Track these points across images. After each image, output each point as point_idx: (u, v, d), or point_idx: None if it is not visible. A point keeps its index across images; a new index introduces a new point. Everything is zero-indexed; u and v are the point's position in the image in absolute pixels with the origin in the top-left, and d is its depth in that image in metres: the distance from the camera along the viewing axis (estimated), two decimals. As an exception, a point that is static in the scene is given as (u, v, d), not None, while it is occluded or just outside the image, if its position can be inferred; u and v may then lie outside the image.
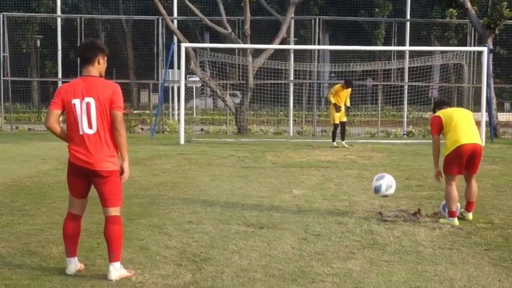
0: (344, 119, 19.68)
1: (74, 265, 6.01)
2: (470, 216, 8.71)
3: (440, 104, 9.50)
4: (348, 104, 19.66)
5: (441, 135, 9.03)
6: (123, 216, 8.48)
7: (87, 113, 5.76)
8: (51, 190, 10.80)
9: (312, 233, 7.79)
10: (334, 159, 16.13)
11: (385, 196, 8.83)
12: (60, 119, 6.00)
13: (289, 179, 12.45)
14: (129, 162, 6.03)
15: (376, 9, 42.61)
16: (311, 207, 9.50)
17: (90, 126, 5.77)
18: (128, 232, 7.71)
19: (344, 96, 19.31)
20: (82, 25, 29.31)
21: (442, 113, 9.01)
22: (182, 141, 20.49)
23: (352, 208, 9.43)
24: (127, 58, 44.64)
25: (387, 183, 8.66)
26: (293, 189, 11.19)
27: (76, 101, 5.79)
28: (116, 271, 5.86)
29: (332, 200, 10.13)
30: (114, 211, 5.94)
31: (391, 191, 8.72)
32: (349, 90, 19.54)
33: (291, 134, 27.04)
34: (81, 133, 5.80)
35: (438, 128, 8.95)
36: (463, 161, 8.67)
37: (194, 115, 27.20)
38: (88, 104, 5.76)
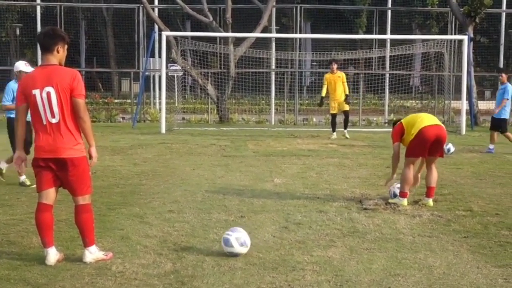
0: (346, 107, 18.91)
1: (53, 254, 5.97)
2: (430, 202, 8.83)
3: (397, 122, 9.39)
4: (347, 92, 18.82)
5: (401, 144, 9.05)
6: (104, 205, 8.57)
7: (48, 102, 5.74)
8: (31, 180, 10.70)
9: (293, 221, 7.81)
10: (315, 148, 16.17)
11: (235, 254, 6.30)
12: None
13: (270, 168, 12.46)
14: (96, 147, 6.08)
15: (358, -3, 42.58)
16: (292, 196, 9.52)
17: (52, 115, 5.76)
18: (108, 221, 7.72)
19: (336, 83, 18.57)
20: (62, 14, 29.05)
21: (404, 120, 9.17)
22: (163, 130, 20.44)
23: (333, 197, 9.46)
24: (108, 47, 44.31)
25: (240, 239, 6.31)
26: (274, 178, 11.20)
27: (36, 91, 5.75)
28: (90, 254, 5.98)
29: (313, 189, 10.15)
30: (82, 199, 5.98)
31: (244, 250, 6.33)
32: (341, 74, 18.76)
33: (273, 123, 27.04)
34: (44, 123, 5.80)
35: (399, 134, 8.99)
36: (427, 145, 8.70)
37: (176, 104, 27.11)
38: (48, 94, 5.73)
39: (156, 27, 26.11)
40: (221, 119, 26.24)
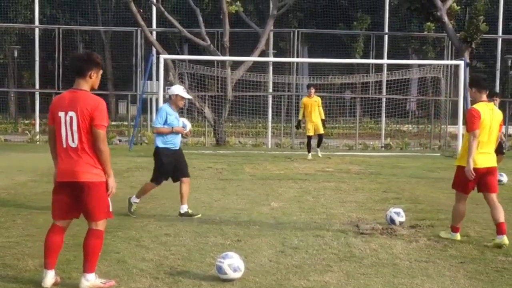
0: (321, 131, 19.98)
1: (51, 278, 5.95)
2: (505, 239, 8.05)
3: (478, 82, 8.49)
4: (323, 117, 19.89)
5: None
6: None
7: (70, 126, 5.76)
8: (27, 202, 10.70)
9: (290, 246, 7.80)
10: (312, 172, 16.17)
11: (230, 280, 6.30)
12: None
13: (267, 192, 12.46)
14: (113, 177, 6.03)
15: (355, 22, 42.87)
16: (288, 220, 9.52)
17: (73, 139, 5.78)
18: (105, 244, 7.62)
19: (312, 107, 19.54)
20: (60, 36, 29.17)
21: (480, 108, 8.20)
22: (160, 153, 20.38)
23: (330, 221, 9.46)
24: (106, 69, 44.43)
25: (233, 265, 6.29)
26: (271, 201, 11.21)
27: (62, 114, 5.79)
28: (87, 281, 5.91)
29: (310, 213, 10.15)
30: (95, 225, 5.95)
31: (238, 274, 6.32)
32: (317, 99, 19.81)
33: (270, 146, 27.07)
34: (64, 146, 5.82)
35: (478, 122, 8.09)
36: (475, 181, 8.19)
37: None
38: (71, 118, 5.76)
39: (154, 50, 26.20)
40: (218, 142, 26.26)
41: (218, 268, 6.25)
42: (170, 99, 9.97)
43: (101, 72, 5.99)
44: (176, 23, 26.66)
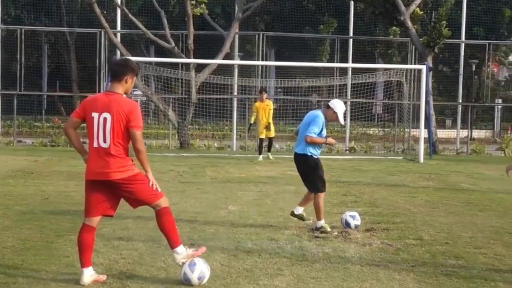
0: (272, 134, 20.68)
1: (88, 275, 6.15)
2: None
3: None
4: (270, 120, 20.39)
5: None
6: (52, 232, 8.48)
7: (103, 127, 5.99)
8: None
9: (243, 249, 7.77)
10: (273, 175, 16.18)
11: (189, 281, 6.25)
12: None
13: (227, 195, 12.42)
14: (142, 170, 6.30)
15: (321, 26, 43.08)
16: (245, 223, 9.49)
17: (104, 140, 6.01)
18: (55, 248, 7.61)
19: (264, 110, 20.18)
20: (23, 37, 28.78)
21: None
22: (122, 156, 20.21)
23: (286, 224, 9.45)
24: (71, 71, 44.07)
25: (199, 272, 6.21)
26: (229, 205, 11.16)
27: (95, 115, 6.03)
28: (178, 255, 6.26)
29: (267, 216, 10.13)
30: (157, 205, 6.32)
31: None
32: (269, 103, 20.47)
33: (235, 149, 27.02)
34: (95, 145, 6.06)
35: None
36: None
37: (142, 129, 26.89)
38: (105, 119, 5.99)
39: (118, 52, 26.02)
40: (181, 145, 26.15)
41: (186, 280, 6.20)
42: (323, 107, 9.31)
43: (135, 78, 6.26)
44: (140, 25, 26.50)
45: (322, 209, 9.12)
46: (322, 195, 9.16)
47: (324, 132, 9.03)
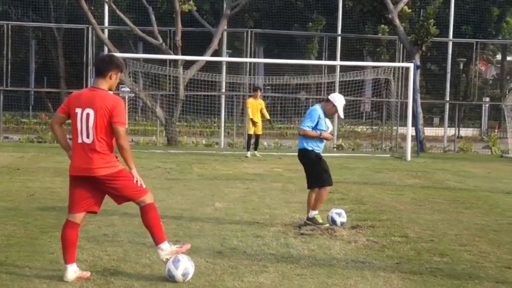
0: (259, 132, 20.72)
1: (72, 271, 6.12)
2: None
3: None
4: (268, 117, 20.71)
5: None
6: (37, 228, 8.44)
7: (86, 122, 5.97)
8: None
9: (228, 246, 7.75)
10: (261, 172, 16.17)
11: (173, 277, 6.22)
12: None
13: (213, 192, 12.40)
14: (135, 168, 6.33)
15: (310, 23, 43.09)
16: (231, 220, 9.48)
17: (87, 135, 5.99)
18: (39, 245, 7.56)
19: (257, 108, 20.25)
20: (9, 32, 28.59)
21: None
22: (109, 152, 20.14)
23: (272, 221, 9.44)
24: (58, 67, 43.84)
25: (183, 269, 6.18)
26: (216, 202, 11.14)
27: (79, 110, 6.01)
28: (162, 251, 6.24)
29: (253, 213, 10.12)
30: (142, 202, 6.28)
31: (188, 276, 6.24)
32: (261, 102, 20.59)
33: (222, 146, 26.99)
34: (79, 141, 6.04)
35: None
36: None
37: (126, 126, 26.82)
38: (87, 115, 5.97)
39: (106, 48, 25.91)
40: (169, 142, 26.08)
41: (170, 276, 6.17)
42: (324, 102, 9.29)
43: (120, 74, 6.27)
44: (128, 21, 26.38)
45: (321, 202, 9.24)
46: (327, 189, 9.36)
47: (323, 127, 9.11)
